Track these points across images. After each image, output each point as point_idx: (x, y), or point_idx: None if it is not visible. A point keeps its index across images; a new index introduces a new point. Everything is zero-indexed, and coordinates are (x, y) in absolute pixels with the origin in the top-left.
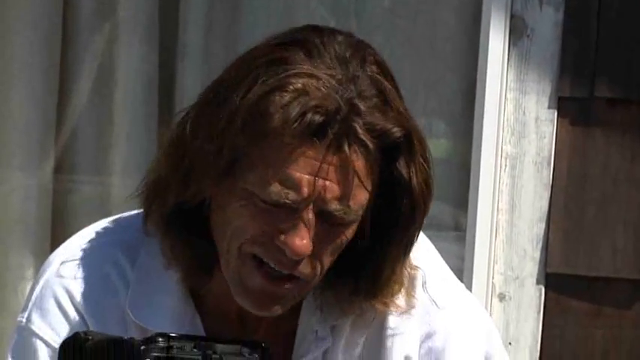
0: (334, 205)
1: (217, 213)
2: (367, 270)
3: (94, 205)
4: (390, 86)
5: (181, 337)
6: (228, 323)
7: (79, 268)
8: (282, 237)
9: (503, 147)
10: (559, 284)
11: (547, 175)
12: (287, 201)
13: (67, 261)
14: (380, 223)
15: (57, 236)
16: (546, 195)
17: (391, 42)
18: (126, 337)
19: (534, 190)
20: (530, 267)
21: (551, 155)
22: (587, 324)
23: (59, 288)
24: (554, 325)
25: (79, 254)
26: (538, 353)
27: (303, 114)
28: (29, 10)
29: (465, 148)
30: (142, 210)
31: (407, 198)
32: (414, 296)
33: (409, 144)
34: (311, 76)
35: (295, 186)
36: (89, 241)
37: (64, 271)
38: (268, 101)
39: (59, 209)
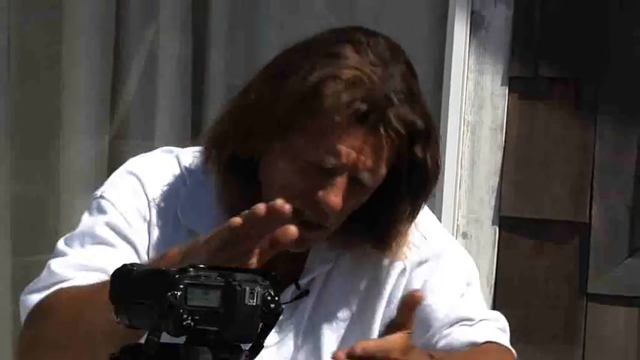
0: (362, 174)
1: (268, 167)
2: (378, 226)
3: None
4: (415, 84)
5: (208, 268)
6: None
7: (151, 171)
8: (321, 193)
9: (465, 117)
10: (510, 225)
11: (500, 138)
12: (328, 165)
13: (142, 165)
14: (395, 189)
15: None
16: (499, 154)
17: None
18: (164, 268)
19: (490, 150)
20: (487, 211)
21: (503, 123)
22: (533, 257)
23: (133, 178)
24: (507, 258)
25: (153, 163)
26: (494, 280)
27: (352, 101)
28: (88, 14)
29: (434, 118)
30: (199, 150)
31: (420, 173)
32: (414, 245)
33: (428, 132)
34: (359, 70)
35: (337, 155)
36: (161, 157)
37: (139, 171)
38: (325, 85)
39: (113, 169)
